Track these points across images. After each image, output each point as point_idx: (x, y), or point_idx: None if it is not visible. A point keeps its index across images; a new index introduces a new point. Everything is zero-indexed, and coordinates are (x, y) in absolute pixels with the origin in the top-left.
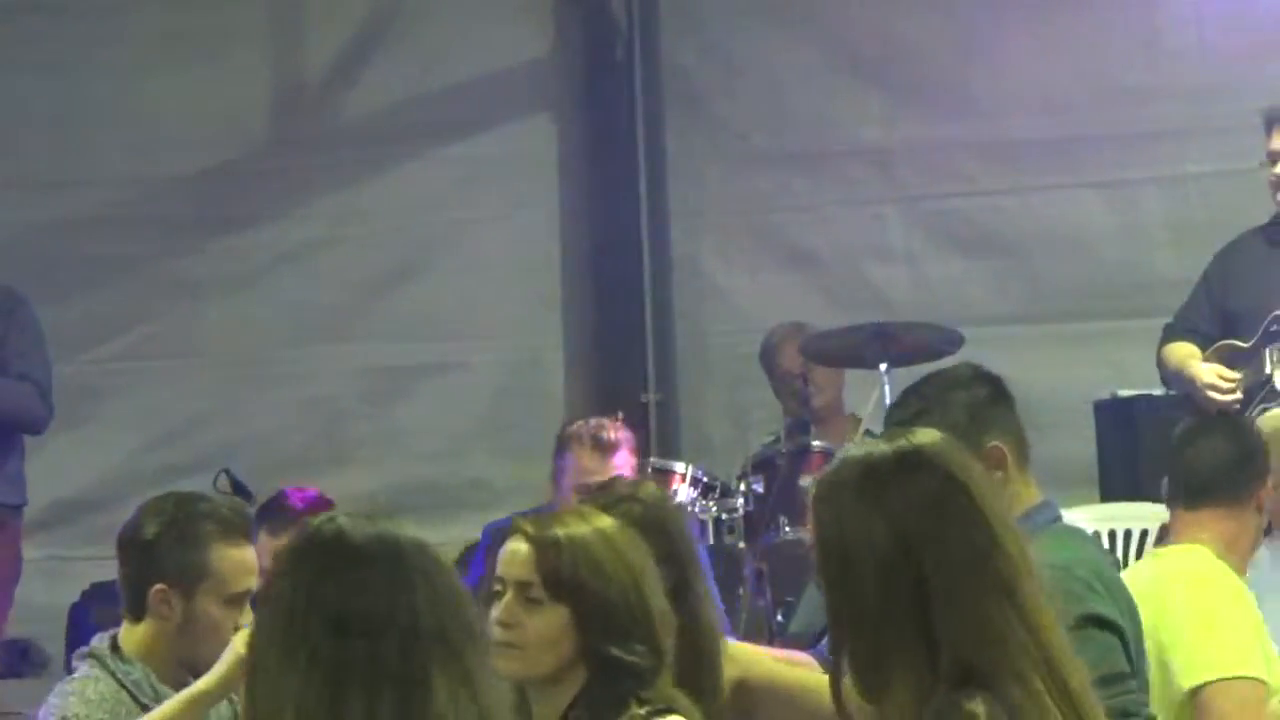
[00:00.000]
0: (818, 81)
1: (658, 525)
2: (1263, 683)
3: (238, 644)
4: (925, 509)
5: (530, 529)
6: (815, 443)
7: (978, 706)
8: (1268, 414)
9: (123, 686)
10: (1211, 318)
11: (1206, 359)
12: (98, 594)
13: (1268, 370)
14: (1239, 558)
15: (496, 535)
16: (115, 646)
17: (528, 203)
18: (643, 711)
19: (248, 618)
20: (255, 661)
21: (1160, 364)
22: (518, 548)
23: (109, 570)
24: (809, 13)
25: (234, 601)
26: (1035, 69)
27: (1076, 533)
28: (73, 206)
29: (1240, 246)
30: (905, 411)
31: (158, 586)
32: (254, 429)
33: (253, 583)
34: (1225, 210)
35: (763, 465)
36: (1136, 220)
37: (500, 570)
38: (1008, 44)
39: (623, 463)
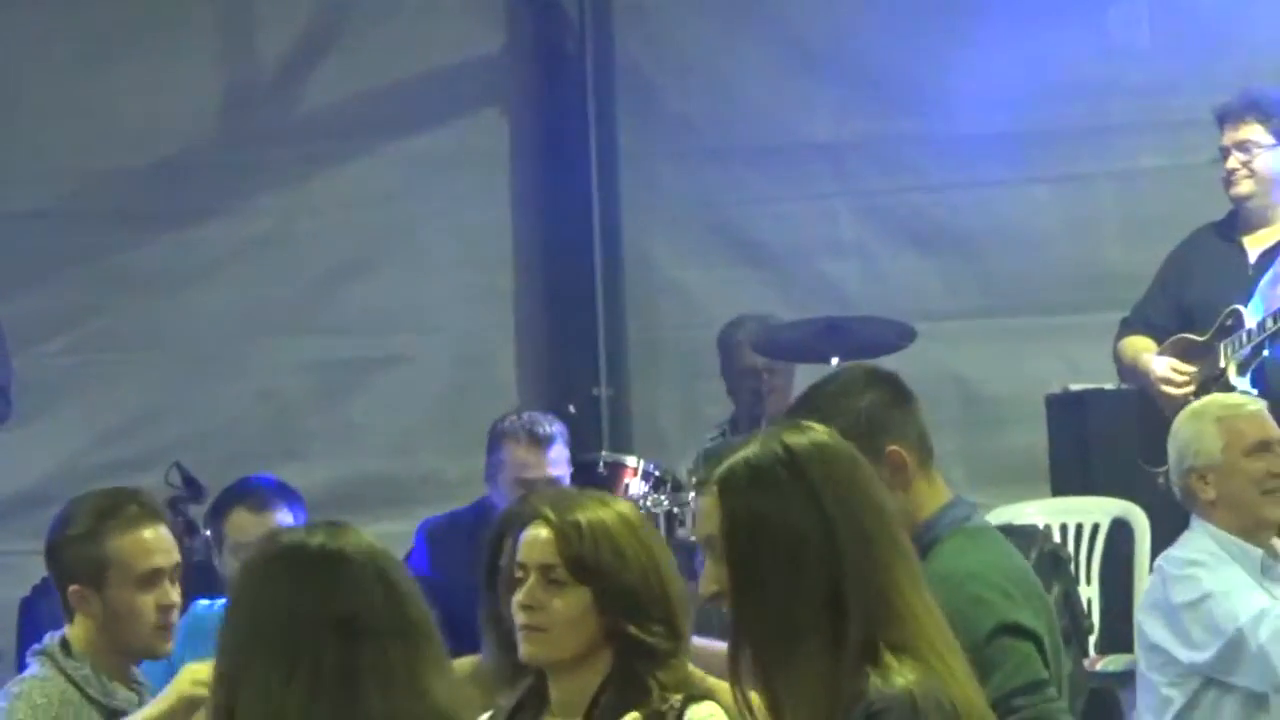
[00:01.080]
0: (770, 76)
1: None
2: None
3: (183, 684)
4: (844, 488)
5: (551, 514)
6: None
7: (905, 678)
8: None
9: (72, 683)
10: (1167, 312)
11: (1161, 353)
12: (49, 589)
13: (1222, 364)
14: None
15: (434, 532)
16: (65, 644)
17: (479, 198)
18: (677, 699)
19: (175, 593)
20: (236, 675)
21: (1116, 358)
22: (539, 533)
23: None
24: (760, 8)
25: (146, 582)
26: (987, 64)
27: (986, 532)
28: (21, 200)
29: (1195, 242)
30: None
31: (72, 588)
32: (205, 423)
33: (160, 560)
34: (1178, 205)
35: (714, 458)
36: (1089, 215)
37: (521, 556)
38: (959, 39)
39: (558, 456)
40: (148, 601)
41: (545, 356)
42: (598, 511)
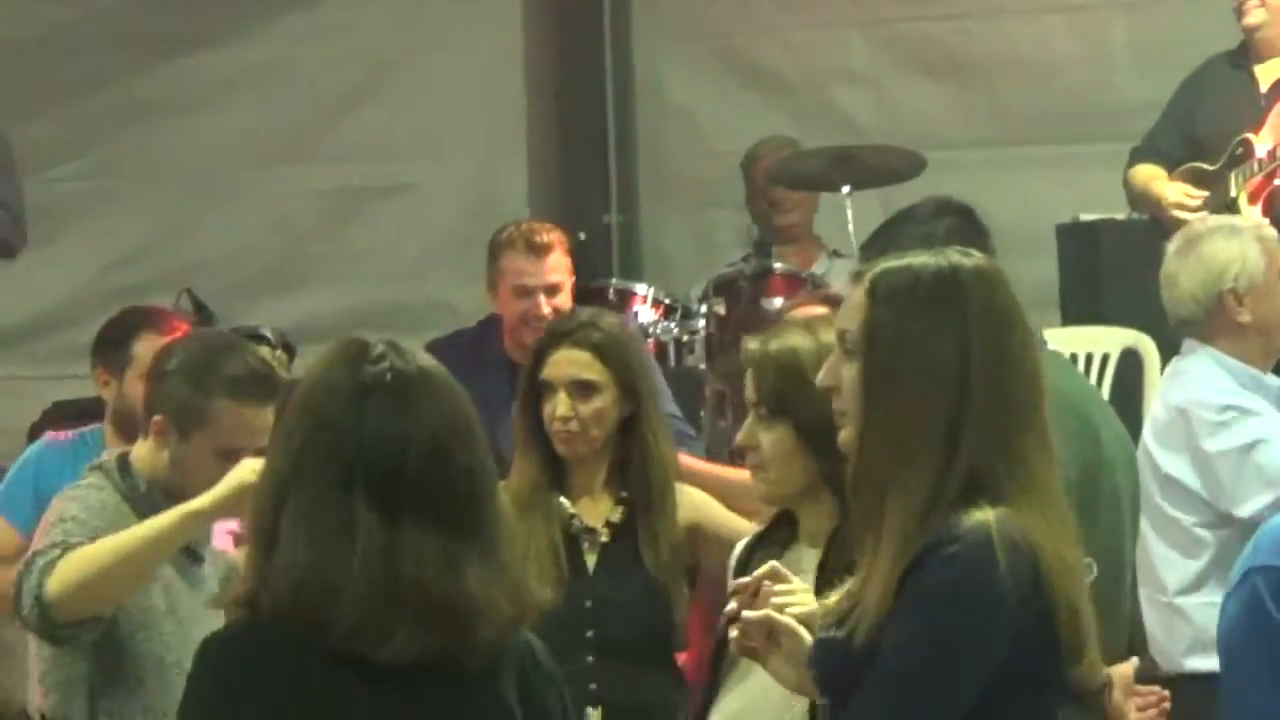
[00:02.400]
0: None
1: (615, 353)
2: None
3: (245, 472)
4: (993, 323)
5: (754, 347)
6: (778, 265)
7: (987, 514)
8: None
9: (125, 499)
10: (1178, 141)
11: (1172, 180)
12: (58, 413)
13: (1233, 193)
14: None
15: (436, 351)
16: (124, 461)
17: (489, 23)
18: None
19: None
20: (287, 499)
21: (1127, 186)
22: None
23: (69, 389)
24: None
25: (227, 455)
26: None
27: (1060, 359)
28: (29, 26)
29: (1207, 71)
30: (873, 246)
31: (157, 418)
32: (214, 250)
33: (252, 443)
34: (1190, 34)
35: (725, 287)
36: (1101, 44)
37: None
38: None
39: (557, 264)
40: (219, 470)
41: (556, 183)
42: (790, 340)
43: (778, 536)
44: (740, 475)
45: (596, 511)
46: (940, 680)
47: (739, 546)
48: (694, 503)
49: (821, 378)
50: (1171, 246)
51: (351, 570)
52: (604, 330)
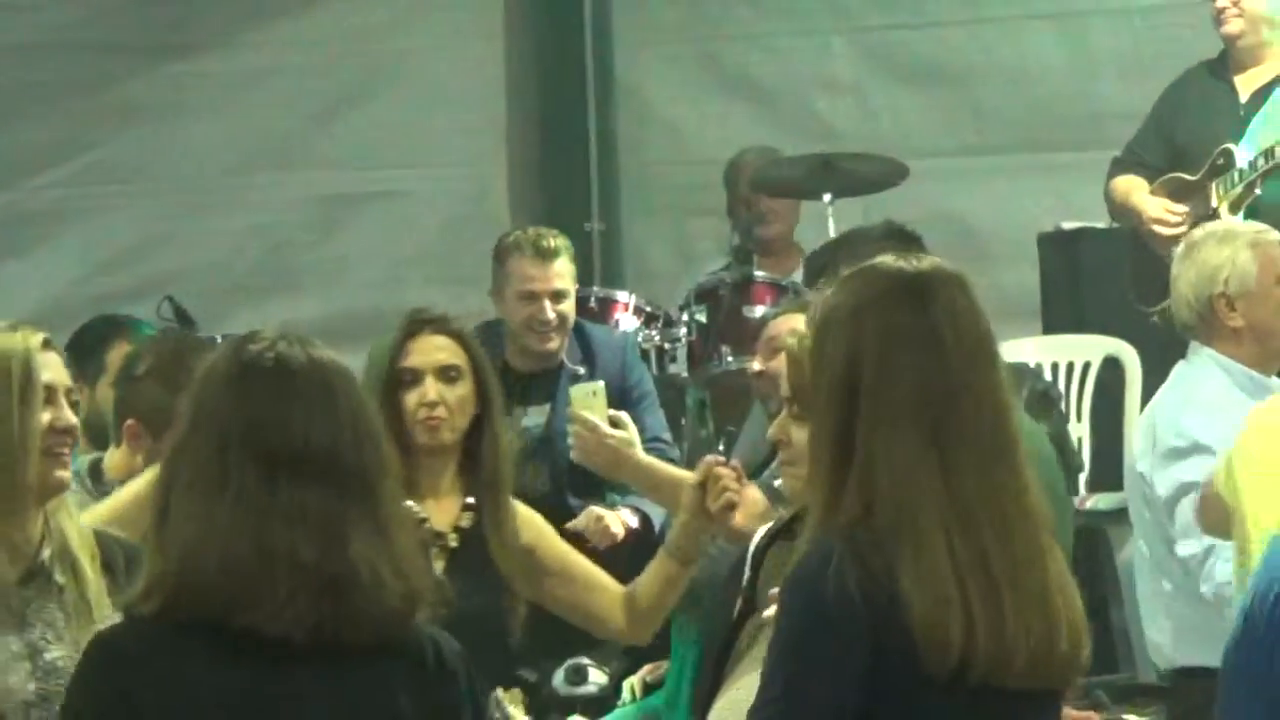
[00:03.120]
0: None
1: (473, 345)
2: None
3: None
4: (889, 339)
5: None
6: (759, 273)
7: (846, 537)
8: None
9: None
10: (1159, 151)
11: (1153, 192)
12: None
13: (1214, 204)
14: None
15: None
16: (96, 468)
17: (473, 31)
18: None
19: None
20: (175, 479)
21: (1108, 197)
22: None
23: None
24: None
25: None
26: None
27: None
28: (14, 32)
29: (1188, 81)
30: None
31: (130, 422)
32: (198, 256)
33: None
34: (1172, 43)
35: (707, 295)
36: (1084, 53)
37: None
38: None
39: (563, 269)
40: None
41: (538, 191)
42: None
43: (795, 529)
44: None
45: (443, 515)
46: (794, 690)
47: (756, 537)
48: (532, 523)
49: (771, 433)
50: (1177, 252)
51: (228, 533)
52: (460, 322)
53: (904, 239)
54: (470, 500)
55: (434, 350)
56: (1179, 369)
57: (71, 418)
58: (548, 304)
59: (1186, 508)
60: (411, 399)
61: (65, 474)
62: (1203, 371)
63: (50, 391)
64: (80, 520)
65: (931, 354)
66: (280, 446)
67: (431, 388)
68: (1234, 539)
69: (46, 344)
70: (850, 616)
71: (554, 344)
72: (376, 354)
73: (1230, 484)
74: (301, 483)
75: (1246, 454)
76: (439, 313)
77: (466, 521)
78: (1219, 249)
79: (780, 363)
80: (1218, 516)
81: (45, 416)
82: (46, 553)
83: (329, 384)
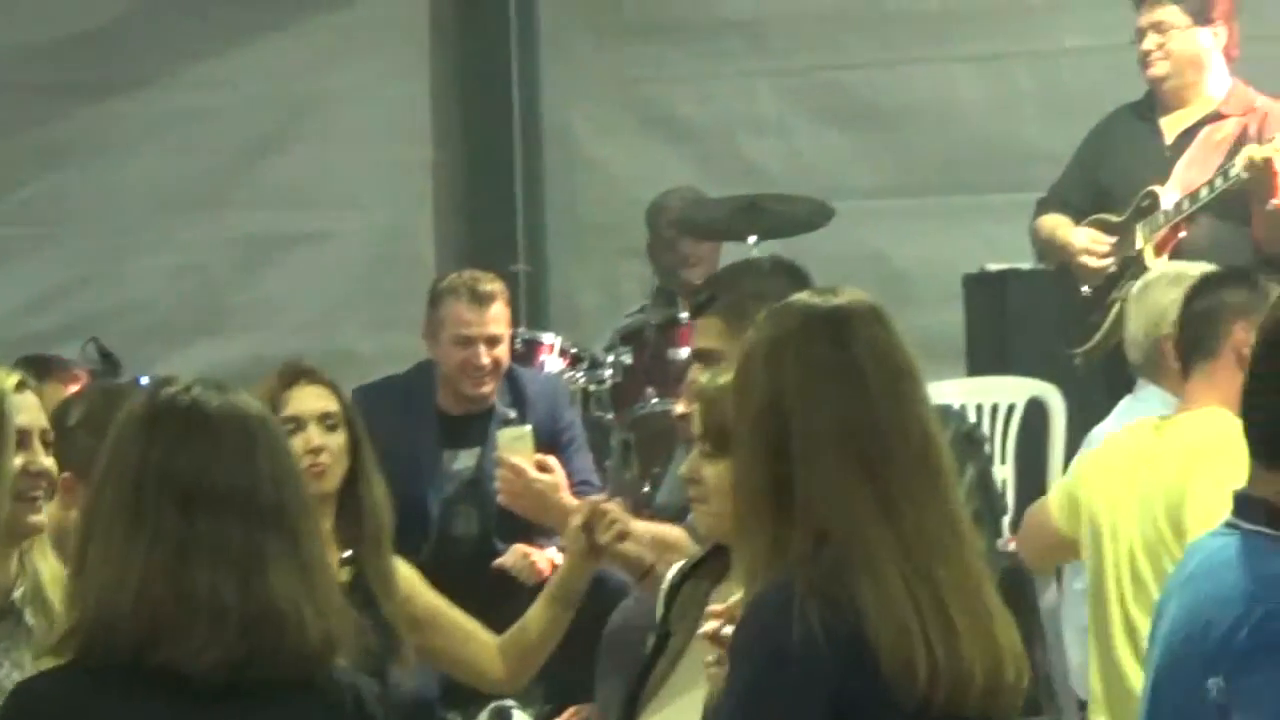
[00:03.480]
0: None
1: (344, 396)
2: None
3: None
4: (809, 374)
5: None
6: (684, 314)
7: (804, 576)
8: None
9: None
10: (1084, 192)
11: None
12: None
13: (1138, 246)
14: None
15: (362, 398)
16: None
17: (399, 71)
18: None
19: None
20: (93, 526)
21: (1033, 236)
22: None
23: None
24: None
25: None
26: None
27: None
28: None
29: (1113, 122)
30: (703, 292)
31: (64, 475)
32: (123, 297)
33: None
34: (1097, 85)
35: (632, 337)
36: (1008, 94)
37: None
38: None
39: (498, 314)
40: None
41: (464, 232)
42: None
43: (710, 568)
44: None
45: None
46: None
47: (670, 574)
48: (405, 575)
49: (682, 471)
50: (1131, 292)
51: (144, 575)
52: (329, 376)
53: (792, 274)
54: (348, 554)
55: (313, 399)
56: (1126, 403)
57: (46, 461)
58: (483, 349)
59: None
60: (294, 446)
61: (39, 517)
62: (1149, 407)
63: (24, 434)
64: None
65: (853, 386)
66: (195, 486)
67: (314, 434)
68: (1085, 559)
69: (21, 386)
70: (815, 657)
71: (488, 388)
72: None
73: (1072, 513)
74: (220, 521)
75: (1093, 480)
76: (306, 365)
77: (346, 575)
78: (1168, 290)
79: None
80: (1042, 545)
81: (18, 460)
82: (18, 593)
83: (245, 425)
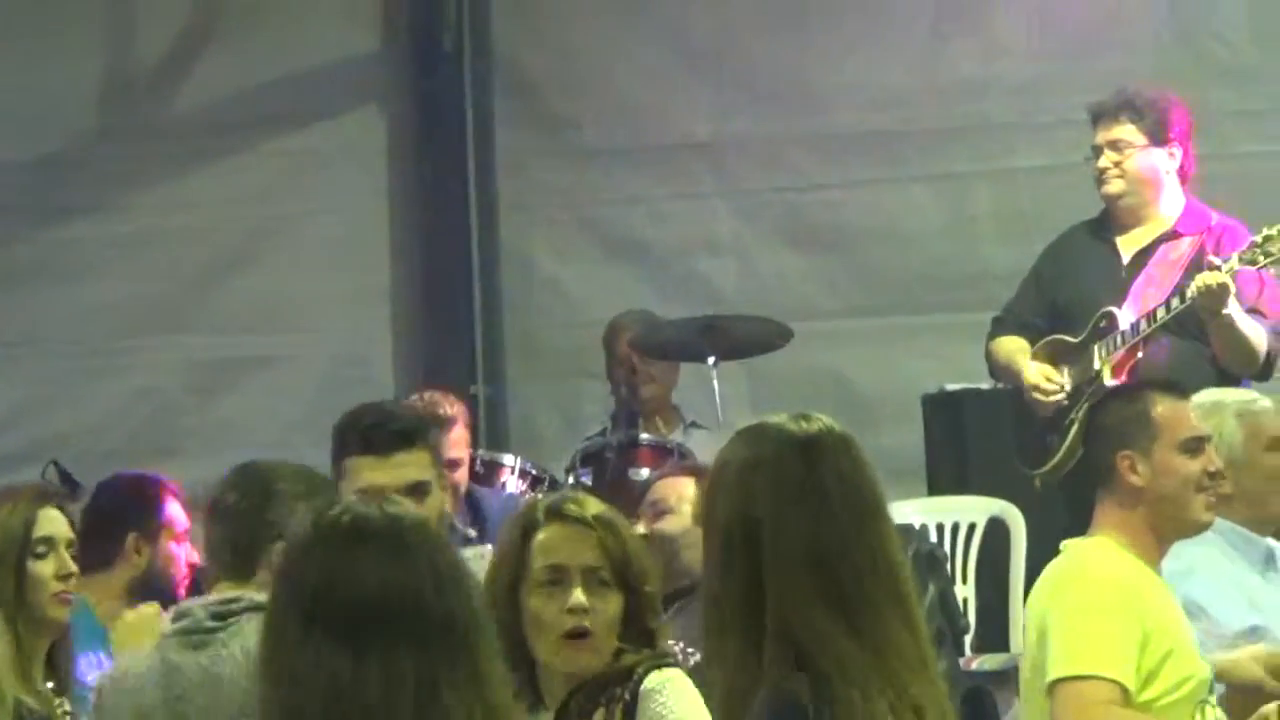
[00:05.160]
0: (649, 74)
1: None
2: (1117, 684)
3: None
4: (780, 498)
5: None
6: (644, 435)
7: (801, 685)
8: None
9: None
10: (1040, 311)
11: (1035, 355)
12: None
13: (1096, 366)
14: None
15: None
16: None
17: (356, 195)
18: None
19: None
20: (273, 643)
21: (988, 357)
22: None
23: None
24: (640, 7)
25: None
26: (865, 63)
27: None
28: None
29: (1069, 240)
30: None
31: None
32: (82, 419)
33: None
34: (1053, 204)
35: (592, 458)
36: (965, 214)
37: (562, 558)
38: (839, 37)
39: (458, 438)
40: None
41: (422, 355)
42: (611, 513)
43: (596, 689)
44: None
45: None
46: None
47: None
48: None
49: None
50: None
51: (322, 706)
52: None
53: None
54: None
55: None
56: None
57: (71, 565)
58: (443, 473)
59: None
60: None
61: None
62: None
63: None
64: None
65: (821, 510)
66: (360, 607)
67: None
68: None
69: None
70: None
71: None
72: None
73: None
74: (389, 644)
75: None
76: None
77: None
78: (1204, 419)
79: (666, 524)
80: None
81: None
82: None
83: (411, 543)
